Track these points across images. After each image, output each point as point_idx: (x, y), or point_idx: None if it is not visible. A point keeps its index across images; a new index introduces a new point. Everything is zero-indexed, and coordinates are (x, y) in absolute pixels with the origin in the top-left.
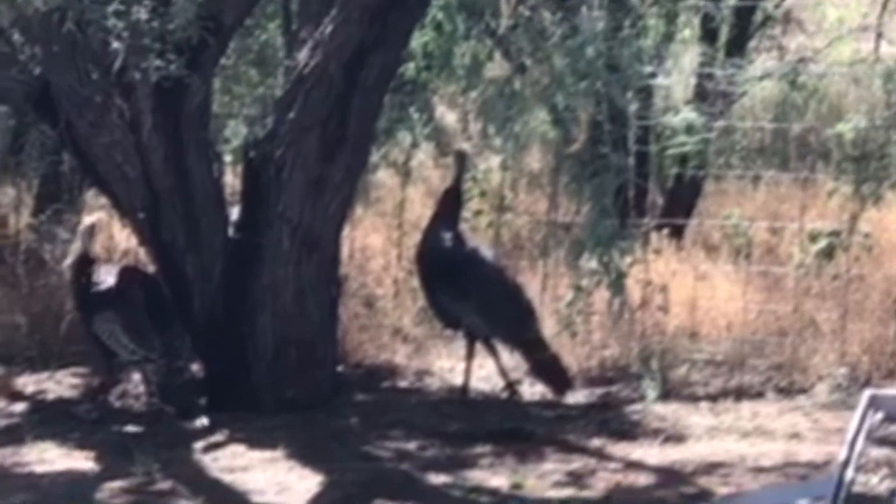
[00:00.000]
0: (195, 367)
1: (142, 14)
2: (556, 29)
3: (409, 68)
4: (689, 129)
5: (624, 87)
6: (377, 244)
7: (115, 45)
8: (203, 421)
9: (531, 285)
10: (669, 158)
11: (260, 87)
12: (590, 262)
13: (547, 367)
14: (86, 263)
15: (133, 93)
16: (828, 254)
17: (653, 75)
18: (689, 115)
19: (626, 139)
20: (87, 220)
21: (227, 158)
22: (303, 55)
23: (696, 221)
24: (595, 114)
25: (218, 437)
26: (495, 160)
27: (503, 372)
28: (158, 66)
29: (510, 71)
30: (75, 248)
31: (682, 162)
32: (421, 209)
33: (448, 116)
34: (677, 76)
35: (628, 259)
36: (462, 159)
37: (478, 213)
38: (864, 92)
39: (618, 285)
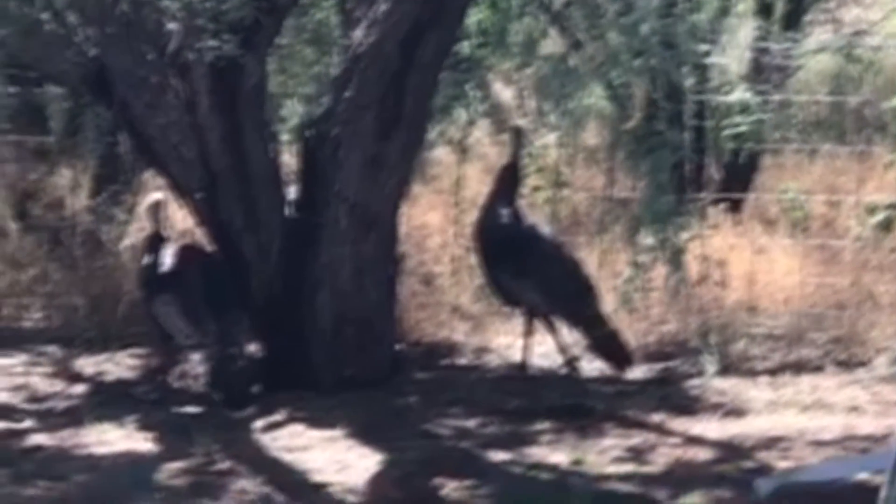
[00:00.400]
0: (253, 348)
1: None
2: (611, 5)
3: (465, 46)
4: (745, 109)
5: (679, 64)
6: (435, 222)
7: (171, 25)
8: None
9: (589, 261)
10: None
11: (316, 66)
12: (647, 239)
13: (606, 343)
14: (155, 242)
15: (189, 73)
16: (885, 226)
17: (707, 52)
18: (743, 94)
19: (682, 115)
20: (150, 198)
21: (285, 138)
22: (358, 34)
23: (754, 196)
24: (650, 90)
25: (277, 416)
26: (552, 136)
27: (562, 348)
28: (212, 47)
29: (565, 48)
30: (140, 227)
31: (737, 139)
32: (478, 186)
33: (505, 93)
34: (733, 51)
35: (685, 235)
36: (518, 135)
37: (535, 189)
38: None
39: (675, 261)
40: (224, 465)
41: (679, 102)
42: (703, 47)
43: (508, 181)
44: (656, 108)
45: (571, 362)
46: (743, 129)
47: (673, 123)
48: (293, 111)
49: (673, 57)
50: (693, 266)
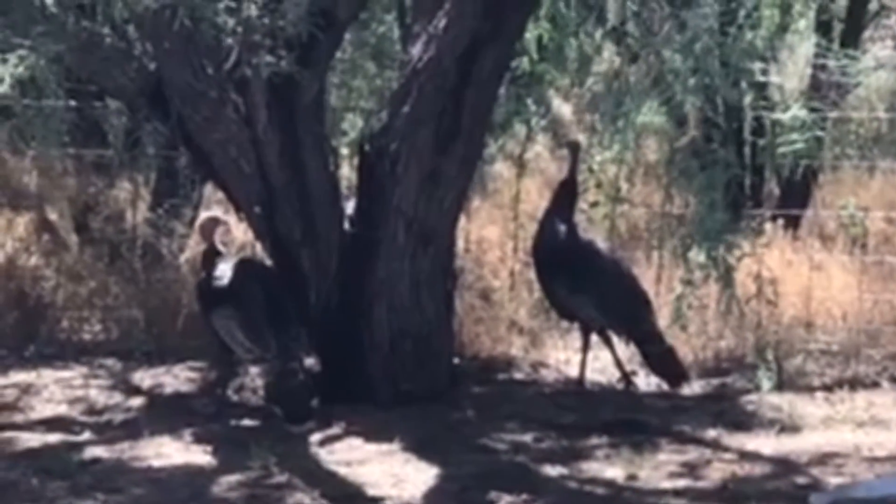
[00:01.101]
0: (310, 361)
1: (252, 10)
2: (667, 22)
3: (525, 61)
4: (801, 127)
5: (735, 81)
6: (494, 236)
7: (229, 41)
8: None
9: (646, 277)
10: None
11: (377, 81)
12: (699, 256)
13: (662, 359)
14: (211, 256)
15: (247, 88)
16: None
17: (764, 70)
18: (799, 112)
19: (739, 132)
20: (203, 216)
21: (344, 151)
22: (417, 49)
23: (812, 212)
24: (705, 107)
25: (334, 430)
26: (610, 152)
27: (619, 363)
28: (270, 62)
29: (621, 63)
30: (198, 240)
31: (793, 156)
32: (538, 200)
33: (564, 108)
34: (792, 67)
35: (737, 252)
36: (575, 151)
37: (594, 204)
38: None
39: (727, 279)
40: (280, 478)
41: (734, 120)
42: (759, 65)
43: (566, 196)
44: (710, 125)
45: (627, 377)
46: (798, 146)
47: (727, 140)
48: (354, 125)
49: (728, 74)
50: (748, 283)
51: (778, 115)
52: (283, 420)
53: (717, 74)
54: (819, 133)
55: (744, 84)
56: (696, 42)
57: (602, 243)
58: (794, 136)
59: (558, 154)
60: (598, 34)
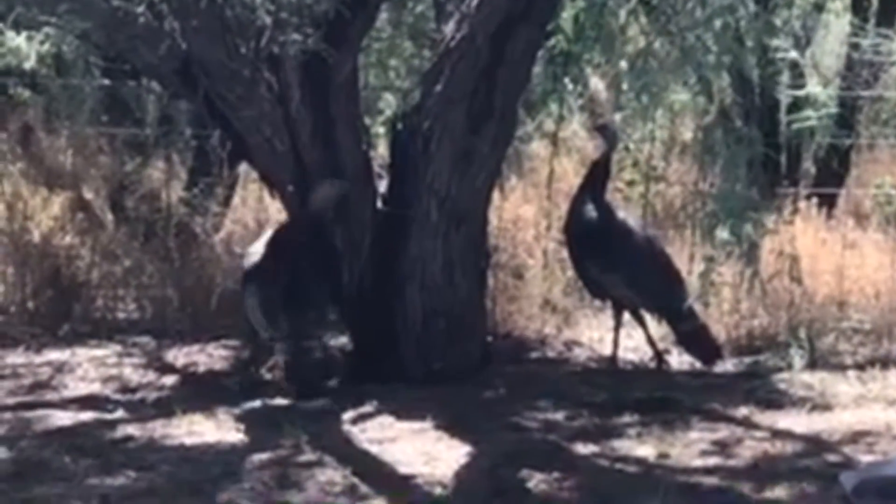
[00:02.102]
0: (343, 340)
1: None
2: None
3: (560, 40)
4: (814, 103)
5: (769, 60)
6: (529, 215)
7: (262, 19)
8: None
9: (680, 255)
10: (808, 130)
11: (414, 60)
12: (723, 233)
13: (695, 337)
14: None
15: (280, 67)
16: None
17: (797, 48)
18: (813, 88)
19: (775, 110)
20: None
21: (381, 131)
22: (449, 28)
23: (847, 190)
24: (733, 86)
25: (366, 408)
26: (646, 130)
27: (651, 342)
28: (302, 41)
29: (655, 42)
30: (234, 218)
31: (811, 134)
32: (573, 179)
33: (600, 87)
34: (828, 46)
35: (762, 230)
36: (607, 131)
37: (630, 182)
38: None
39: (751, 256)
40: (312, 456)
41: (768, 98)
42: (783, 42)
43: (599, 175)
44: (738, 103)
45: (660, 356)
46: (812, 122)
47: (750, 118)
48: (390, 104)
49: (754, 51)
50: (780, 261)
51: (793, 93)
52: (294, 398)
53: (744, 52)
54: (833, 110)
55: (780, 63)
56: (719, 18)
57: (634, 221)
58: (810, 112)
59: (598, 134)
60: (624, 12)
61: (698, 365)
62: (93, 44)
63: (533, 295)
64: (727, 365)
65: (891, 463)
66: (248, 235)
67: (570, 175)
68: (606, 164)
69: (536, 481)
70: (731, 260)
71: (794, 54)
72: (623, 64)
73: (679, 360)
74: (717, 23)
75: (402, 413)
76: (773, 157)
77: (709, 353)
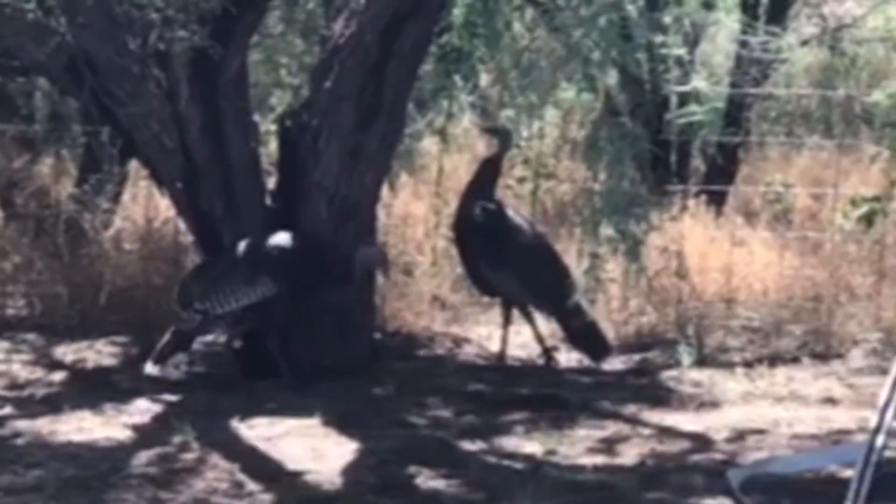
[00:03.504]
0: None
1: None
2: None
3: (451, 36)
4: (701, 98)
5: (656, 58)
6: (418, 212)
7: (152, 15)
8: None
9: (570, 252)
10: (696, 126)
11: (304, 57)
12: (607, 230)
13: (584, 334)
14: None
15: (169, 63)
16: (868, 219)
17: (686, 45)
18: (698, 84)
19: (664, 108)
20: None
21: (272, 127)
22: (338, 25)
23: (737, 188)
24: (620, 82)
25: (254, 405)
26: (535, 127)
27: (540, 339)
28: (190, 38)
29: (530, 39)
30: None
31: (694, 128)
32: (464, 176)
33: (491, 84)
34: (717, 45)
35: (644, 227)
36: (498, 133)
37: (521, 180)
38: None
39: (634, 253)
40: (199, 452)
41: (650, 95)
42: (671, 39)
43: (488, 173)
44: (624, 100)
45: (548, 353)
46: (698, 118)
47: (635, 115)
48: (282, 101)
49: (642, 49)
50: (666, 258)
51: (679, 88)
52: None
53: (631, 49)
54: (719, 105)
55: (668, 60)
56: (605, 15)
57: (523, 219)
58: (695, 108)
59: (489, 135)
60: (509, 8)
61: (586, 362)
62: None
63: (422, 291)
64: (615, 362)
65: (777, 460)
66: (138, 232)
67: (460, 172)
68: (498, 163)
69: (424, 478)
70: (618, 257)
71: (681, 51)
72: (509, 61)
73: (567, 357)
74: (603, 19)
75: (290, 410)
76: (661, 155)
77: (598, 349)
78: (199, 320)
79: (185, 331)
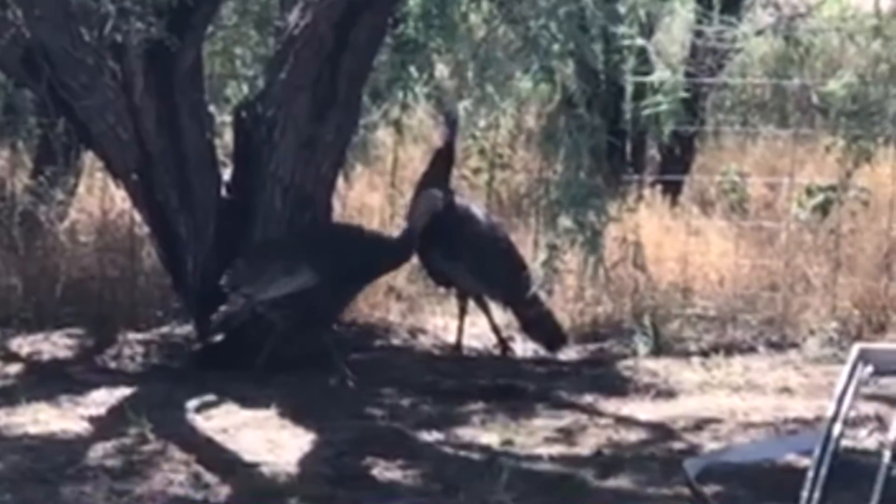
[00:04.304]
0: (188, 328)
1: None
2: None
3: (407, 27)
4: (662, 90)
5: (612, 48)
6: (374, 203)
7: (107, 7)
8: None
9: (525, 242)
10: (653, 117)
11: (260, 48)
12: (566, 221)
13: (540, 323)
14: None
15: (124, 55)
16: (823, 209)
17: (642, 35)
18: (662, 74)
19: (620, 97)
20: None
21: (227, 118)
22: (293, 16)
23: (693, 177)
24: (576, 74)
25: (211, 396)
26: (491, 118)
27: (495, 329)
28: (146, 29)
29: (487, 30)
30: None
31: (657, 121)
32: (419, 167)
33: (446, 75)
34: (672, 34)
35: (604, 218)
36: (447, 118)
37: (476, 170)
38: (857, 48)
39: (593, 244)
40: (156, 444)
41: (612, 85)
42: (628, 30)
43: (442, 163)
44: (581, 90)
45: (504, 343)
46: (663, 108)
47: (592, 105)
48: (237, 92)
49: (594, 39)
50: (624, 248)
51: (639, 79)
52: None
53: (588, 40)
54: (684, 95)
55: (625, 50)
56: (564, 7)
57: (477, 209)
58: (659, 98)
59: (441, 121)
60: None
61: (543, 352)
62: None
63: (378, 283)
64: (571, 352)
65: (734, 450)
66: (94, 224)
67: (416, 163)
68: (450, 152)
69: (381, 468)
70: (575, 247)
71: (639, 41)
72: (466, 52)
73: (524, 347)
74: (562, 11)
75: (246, 401)
76: (617, 145)
77: (553, 339)
78: (243, 304)
79: (231, 313)
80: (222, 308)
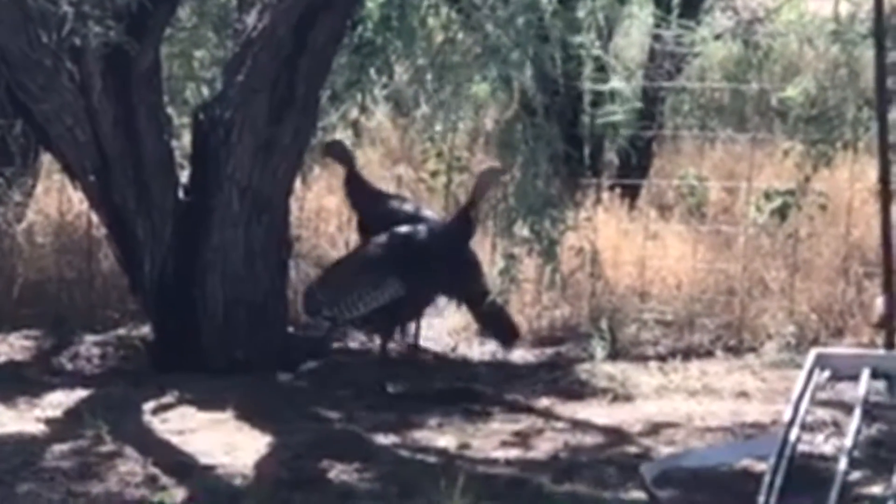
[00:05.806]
0: (144, 330)
1: None
2: None
3: (365, 30)
4: (618, 98)
5: (570, 56)
6: (332, 206)
7: (65, 8)
8: None
9: (483, 245)
10: (612, 125)
11: (218, 50)
12: (522, 230)
13: (494, 318)
14: None
15: (82, 56)
16: (782, 213)
17: (599, 40)
18: (617, 84)
19: (578, 102)
20: None
21: (185, 120)
22: (251, 18)
23: (651, 181)
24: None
25: (167, 398)
26: (451, 120)
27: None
28: (103, 32)
29: (445, 36)
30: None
31: (614, 128)
32: (379, 170)
33: (405, 78)
34: (631, 38)
35: (561, 227)
36: (335, 153)
37: (434, 173)
38: (816, 52)
39: (550, 253)
40: (112, 446)
41: (570, 91)
42: (586, 37)
43: (358, 185)
44: (538, 97)
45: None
46: (618, 117)
47: (550, 113)
48: (196, 95)
49: (553, 45)
50: (581, 256)
51: (594, 87)
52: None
53: (546, 48)
54: (638, 105)
55: (583, 57)
56: (522, 16)
57: (429, 211)
58: (615, 108)
59: (401, 123)
60: (426, 4)
61: (499, 356)
62: None
63: None
64: (528, 355)
65: (691, 454)
66: (51, 225)
67: (374, 166)
68: (357, 176)
69: (337, 472)
70: (533, 256)
71: (597, 50)
72: (424, 58)
73: (480, 350)
74: (521, 20)
75: (202, 403)
76: (574, 150)
77: (507, 334)
78: (329, 326)
79: (317, 337)
80: (309, 334)
